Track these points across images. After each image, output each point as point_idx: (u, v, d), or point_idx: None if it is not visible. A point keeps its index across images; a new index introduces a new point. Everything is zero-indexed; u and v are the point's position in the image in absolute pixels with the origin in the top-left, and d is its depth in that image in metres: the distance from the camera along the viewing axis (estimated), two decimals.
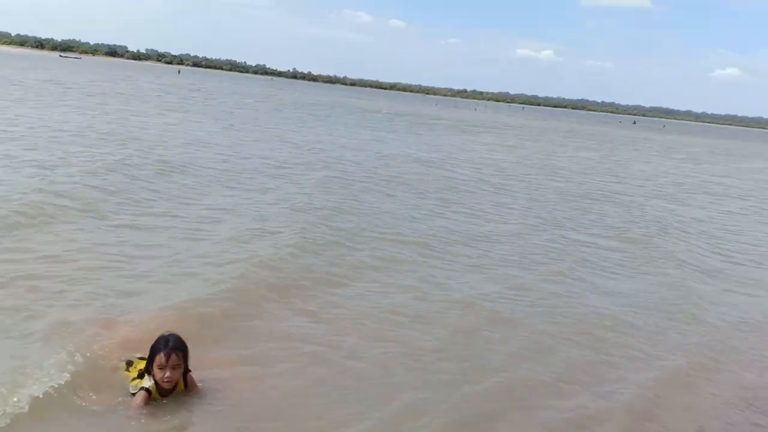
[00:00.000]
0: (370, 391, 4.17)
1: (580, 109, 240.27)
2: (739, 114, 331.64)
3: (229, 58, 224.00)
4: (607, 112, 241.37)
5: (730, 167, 30.79)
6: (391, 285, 6.45)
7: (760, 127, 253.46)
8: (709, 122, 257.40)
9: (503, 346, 5.20)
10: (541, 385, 4.53)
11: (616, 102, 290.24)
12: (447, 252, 8.03)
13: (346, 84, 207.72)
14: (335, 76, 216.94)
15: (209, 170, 12.23)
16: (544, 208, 12.37)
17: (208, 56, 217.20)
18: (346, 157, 17.21)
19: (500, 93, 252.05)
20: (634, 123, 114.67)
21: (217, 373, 4.05)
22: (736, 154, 44.04)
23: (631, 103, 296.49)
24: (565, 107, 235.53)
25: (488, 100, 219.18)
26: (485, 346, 5.15)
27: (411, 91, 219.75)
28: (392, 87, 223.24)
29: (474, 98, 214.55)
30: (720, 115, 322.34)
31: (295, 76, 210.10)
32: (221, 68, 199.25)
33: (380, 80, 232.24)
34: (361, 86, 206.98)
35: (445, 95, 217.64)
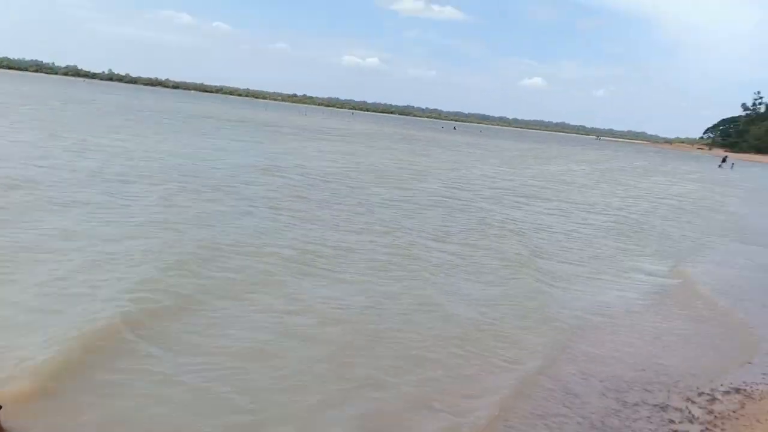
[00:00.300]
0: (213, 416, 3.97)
1: (407, 114, 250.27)
2: (545, 119, 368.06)
3: (34, 59, 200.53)
4: (432, 117, 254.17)
5: (540, 168, 33.19)
6: (250, 303, 6.15)
7: (561, 131, 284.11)
8: (520, 127, 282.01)
9: (363, 362, 5.12)
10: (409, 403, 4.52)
11: (440, 108, 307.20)
12: (305, 265, 7.76)
13: (168, 87, 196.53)
14: (156, 78, 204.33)
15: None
16: (386, 214, 12.39)
17: (10, 56, 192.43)
18: (186, 167, 15.99)
19: (330, 98, 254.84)
20: (455, 128, 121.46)
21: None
22: (541, 156, 48.06)
23: (453, 110, 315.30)
24: (392, 113, 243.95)
25: (318, 105, 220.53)
26: (342, 366, 5.03)
27: (239, 94, 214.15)
28: (218, 90, 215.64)
29: (304, 103, 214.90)
30: (529, 120, 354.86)
31: (111, 78, 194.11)
32: (26, 69, 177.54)
33: (205, 83, 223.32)
34: (185, 89, 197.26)
35: (275, 99, 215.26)
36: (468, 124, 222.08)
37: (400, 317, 6.33)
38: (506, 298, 7.49)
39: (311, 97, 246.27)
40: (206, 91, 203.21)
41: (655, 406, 4.84)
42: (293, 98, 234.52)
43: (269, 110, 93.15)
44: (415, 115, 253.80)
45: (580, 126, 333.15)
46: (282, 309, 6.12)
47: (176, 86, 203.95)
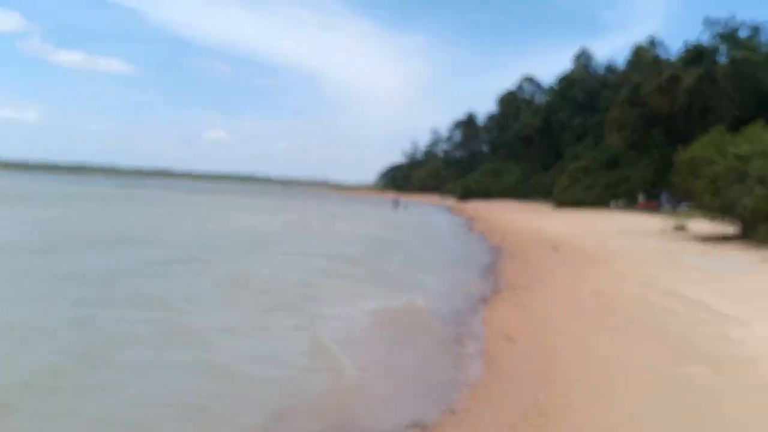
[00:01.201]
0: None
1: (77, 171, 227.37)
2: (233, 171, 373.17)
3: None
4: (109, 173, 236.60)
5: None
6: None
7: (250, 181, 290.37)
8: (207, 180, 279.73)
9: None
10: None
11: (118, 163, 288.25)
12: None
13: None
14: None
15: None
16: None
17: None
18: None
19: None
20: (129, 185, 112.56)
21: None
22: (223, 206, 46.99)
23: (133, 164, 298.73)
24: (60, 170, 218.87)
25: None
26: None
27: None
28: None
29: None
30: (216, 173, 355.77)
31: None
32: None
33: None
34: None
35: None
36: (151, 179, 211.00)
37: None
38: None
39: None
40: None
41: None
42: None
43: None
44: (90, 171, 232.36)
45: (267, 177, 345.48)
46: None
47: None
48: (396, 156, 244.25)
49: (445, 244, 25.92)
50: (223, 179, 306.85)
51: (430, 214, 56.87)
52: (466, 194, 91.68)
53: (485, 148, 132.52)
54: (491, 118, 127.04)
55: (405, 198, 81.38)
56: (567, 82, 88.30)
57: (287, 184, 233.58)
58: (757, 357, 6.74)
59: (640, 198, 47.03)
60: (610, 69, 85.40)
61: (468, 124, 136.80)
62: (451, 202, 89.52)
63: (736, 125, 26.33)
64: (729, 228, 21.39)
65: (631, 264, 15.37)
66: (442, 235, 31.78)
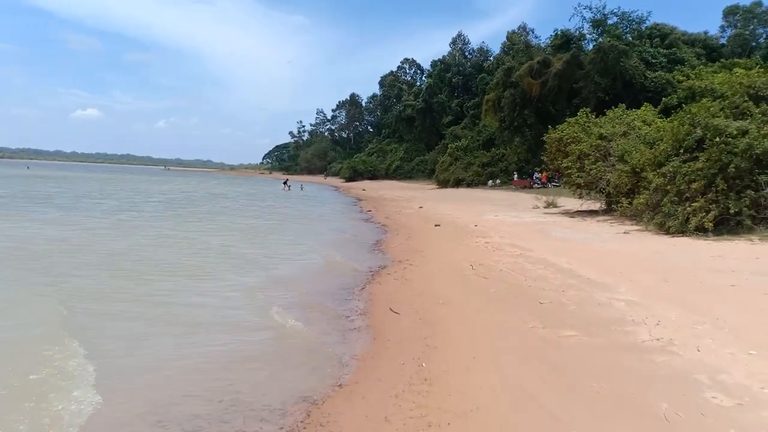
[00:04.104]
0: None
1: None
2: (109, 151, 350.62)
3: None
4: None
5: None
6: None
7: (128, 163, 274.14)
8: (80, 161, 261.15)
9: None
10: None
11: None
12: None
13: None
14: None
15: None
16: None
17: None
18: None
19: None
20: None
21: None
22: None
23: None
24: None
25: None
26: None
27: None
28: None
29: None
30: (90, 153, 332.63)
31: None
32: None
33: None
34: None
35: None
36: (15, 160, 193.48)
37: None
38: None
39: None
40: None
41: None
42: None
43: None
44: None
45: (147, 157, 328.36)
46: None
47: None
48: (283, 137, 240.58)
49: (333, 221, 25.92)
50: (98, 160, 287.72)
51: (319, 193, 56.63)
52: (354, 174, 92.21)
53: (370, 129, 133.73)
54: (374, 98, 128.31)
55: (293, 179, 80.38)
56: (443, 65, 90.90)
57: (169, 166, 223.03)
58: (622, 318, 7.32)
59: (515, 176, 49.54)
60: (482, 53, 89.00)
61: (352, 104, 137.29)
62: (338, 182, 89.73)
63: (601, 107, 28.37)
64: (595, 203, 23.05)
65: (506, 237, 16.17)
66: (329, 212, 31.77)
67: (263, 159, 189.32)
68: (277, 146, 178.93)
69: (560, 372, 5.63)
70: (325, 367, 6.42)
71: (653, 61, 47.10)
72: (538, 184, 44.64)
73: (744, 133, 14.09)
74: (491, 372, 5.80)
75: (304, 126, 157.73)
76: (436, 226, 20.85)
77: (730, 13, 65.48)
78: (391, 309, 8.75)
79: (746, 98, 15.69)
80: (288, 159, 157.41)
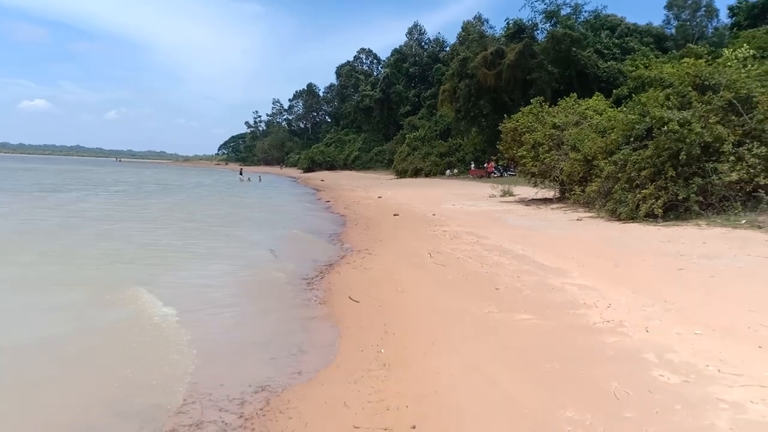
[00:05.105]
0: None
1: None
2: (58, 143, 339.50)
3: None
4: None
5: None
6: None
7: (78, 155, 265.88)
8: (29, 153, 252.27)
9: None
10: None
11: None
12: None
13: None
14: None
15: None
16: None
17: None
18: None
19: None
20: None
21: None
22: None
23: None
24: None
25: None
26: None
27: None
28: None
29: None
30: (38, 145, 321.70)
31: None
32: None
33: None
34: None
35: None
36: None
37: None
38: None
39: None
40: None
41: (190, 426, 4.74)
42: None
43: None
44: None
45: (98, 148, 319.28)
46: None
47: None
48: (238, 128, 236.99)
49: (290, 212, 25.76)
50: (46, 152, 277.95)
51: (277, 184, 56.11)
52: (312, 165, 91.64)
53: (328, 119, 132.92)
54: (331, 88, 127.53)
55: (250, 170, 79.40)
56: (400, 55, 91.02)
57: (121, 157, 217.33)
58: (574, 301, 7.53)
59: (472, 166, 50.11)
60: (438, 43, 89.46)
61: (309, 94, 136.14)
62: (296, 173, 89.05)
63: (555, 96, 28.89)
64: (549, 192, 23.52)
65: (463, 225, 16.37)
66: (287, 203, 31.55)
67: (219, 150, 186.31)
68: (232, 137, 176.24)
69: (515, 354, 5.77)
70: (284, 355, 6.41)
71: (606, 51, 48.17)
72: (495, 173, 45.30)
73: (685, 123, 14.55)
74: (449, 355, 5.90)
75: (260, 116, 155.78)
76: (395, 215, 20.94)
77: (671, 6, 67.52)
78: (350, 297, 8.78)
79: (691, 88, 16.18)
80: (244, 150, 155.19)
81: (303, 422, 4.69)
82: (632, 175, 15.52)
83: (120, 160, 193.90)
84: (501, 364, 5.50)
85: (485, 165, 47.23)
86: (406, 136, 65.44)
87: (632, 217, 14.94)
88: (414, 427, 4.38)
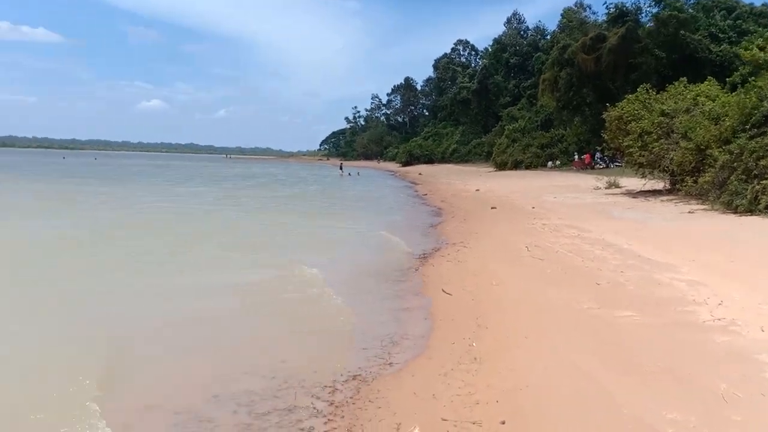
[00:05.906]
0: None
1: (9, 146, 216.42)
2: (173, 141, 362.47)
3: None
4: (43, 147, 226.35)
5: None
6: None
7: (192, 152, 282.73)
8: (147, 151, 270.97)
9: None
10: None
11: (50, 137, 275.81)
12: None
13: None
14: None
15: None
16: None
17: None
18: None
19: None
20: (64, 158, 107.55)
21: None
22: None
23: (66, 137, 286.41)
24: None
25: None
26: None
27: None
28: None
29: None
30: (156, 143, 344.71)
31: None
32: None
33: None
34: None
35: None
36: (85, 151, 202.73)
37: None
38: None
39: None
40: None
41: (283, 410, 4.89)
42: None
43: None
44: (18, 146, 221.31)
45: (210, 146, 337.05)
46: None
47: None
48: (339, 123, 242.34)
49: (387, 205, 26.04)
50: (163, 149, 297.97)
51: (376, 179, 56.93)
52: (410, 159, 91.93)
53: (426, 112, 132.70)
54: (429, 82, 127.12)
55: (349, 165, 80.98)
56: (499, 45, 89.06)
57: (230, 154, 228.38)
58: (682, 298, 7.07)
59: (576, 157, 48.28)
60: (539, 31, 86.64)
61: (407, 88, 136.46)
62: (394, 167, 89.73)
63: (662, 82, 27.19)
64: (658, 183, 22.24)
65: (564, 218, 15.82)
66: (384, 196, 31.93)
67: (320, 145, 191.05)
68: (333, 132, 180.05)
69: (615, 350, 5.50)
70: (376, 346, 6.49)
71: (720, 35, 44.69)
72: (600, 164, 43.38)
73: None
74: (543, 350, 5.72)
75: (359, 111, 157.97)
76: (492, 208, 20.61)
77: None
78: (443, 290, 8.74)
79: None
80: (344, 145, 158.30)
81: (391, 412, 4.71)
82: (750, 164, 14.37)
83: (229, 157, 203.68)
84: (599, 361, 5.26)
85: (582, 156, 45.36)
86: (506, 127, 64.04)
87: (750, 210, 13.83)
88: (503, 423, 4.28)
